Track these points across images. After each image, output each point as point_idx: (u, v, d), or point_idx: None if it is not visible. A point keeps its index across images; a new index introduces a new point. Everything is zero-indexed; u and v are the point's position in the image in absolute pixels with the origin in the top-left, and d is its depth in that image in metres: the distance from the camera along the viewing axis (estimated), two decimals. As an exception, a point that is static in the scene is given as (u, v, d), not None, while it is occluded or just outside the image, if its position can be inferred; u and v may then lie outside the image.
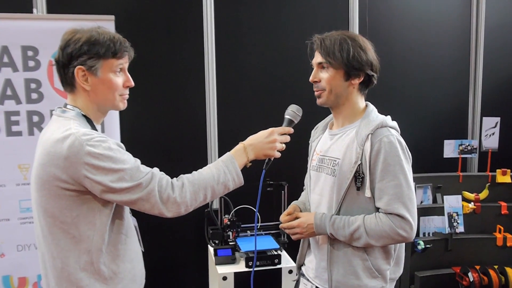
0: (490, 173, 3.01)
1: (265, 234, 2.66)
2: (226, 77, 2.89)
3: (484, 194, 2.97)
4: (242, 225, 2.58)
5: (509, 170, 2.99)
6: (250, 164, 1.45)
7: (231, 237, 2.52)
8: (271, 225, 2.68)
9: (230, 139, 2.88)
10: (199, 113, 2.87)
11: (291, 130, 1.52)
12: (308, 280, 1.69)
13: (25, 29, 2.43)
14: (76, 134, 1.23)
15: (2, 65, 2.42)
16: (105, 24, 2.42)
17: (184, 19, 2.81)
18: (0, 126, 2.44)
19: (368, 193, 1.47)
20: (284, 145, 1.50)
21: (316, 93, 1.58)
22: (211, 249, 2.55)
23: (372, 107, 1.60)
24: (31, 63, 2.46)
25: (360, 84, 1.55)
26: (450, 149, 3.01)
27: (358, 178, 1.47)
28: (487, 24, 3.28)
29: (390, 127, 1.52)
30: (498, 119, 3.07)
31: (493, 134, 3.07)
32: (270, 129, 1.48)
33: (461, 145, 3.02)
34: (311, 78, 1.58)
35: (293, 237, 1.64)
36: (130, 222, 1.46)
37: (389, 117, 1.57)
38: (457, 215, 2.81)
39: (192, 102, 2.87)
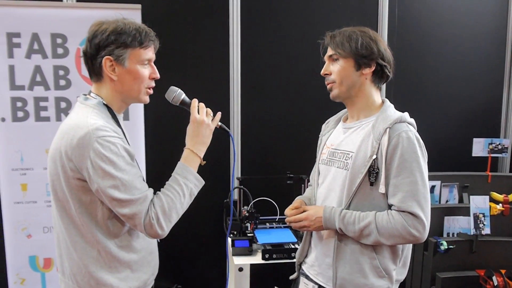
0: (521, 174, 2.89)
1: (284, 227, 2.65)
2: (250, 69, 2.87)
3: (514, 196, 2.86)
4: (260, 217, 2.57)
5: (542, 172, 2.87)
6: (205, 161, 1.46)
7: (249, 229, 2.53)
8: (290, 218, 2.67)
9: (253, 130, 2.91)
10: (223, 104, 2.88)
11: (195, 100, 1.49)
12: (309, 279, 1.65)
13: (54, 17, 2.49)
14: (90, 127, 1.25)
15: (32, 52, 2.50)
16: (132, 13, 2.49)
17: (210, 9, 2.81)
18: (29, 111, 2.52)
19: (382, 189, 1.43)
20: (210, 111, 1.49)
21: (328, 86, 1.57)
22: (229, 240, 2.57)
23: (389, 103, 1.57)
24: (60, 51, 2.53)
25: (373, 76, 1.53)
26: (479, 147, 2.90)
27: (372, 173, 1.43)
28: (526, 17, 3.13)
29: (408, 123, 1.49)
30: (533, 118, 2.95)
31: (526, 133, 2.94)
32: (191, 119, 1.46)
33: (491, 144, 2.90)
34: (322, 71, 1.58)
35: (299, 229, 1.61)
36: None
37: (407, 113, 1.53)
38: (484, 216, 2.72)
39: (216, 93, 2.87)
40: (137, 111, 2.62)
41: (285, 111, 2.95)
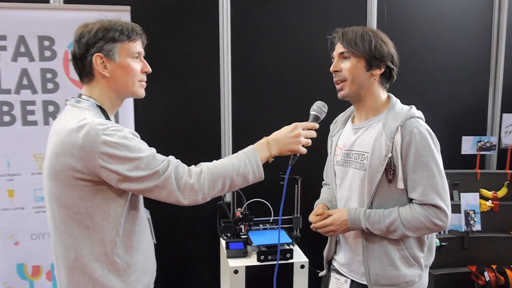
0: (509, 171, 2.94)
1: (278, 228, 2.64)
2: (241, 71, 2.86)
3: (502, 192, 2.91)
4: (254, 219, 2.56)
5: (529, 168, 2.92)
6: (273, 159, 1.43)
7: (243, 231, 2.51)
8: (284, 219, 2.66)
9: (244, 131, 2.90)
10: (213, 106, 2.86)
11: (316, 125, 1.49)
12: (341, 274, 1.68)
13: (41, 19, 2.44)
14: (91, 123, 1.23)
15: (18, 55, 2.44)
16: (121, 15, 2.45)
17: (200, 11, 2.79)
18: (16, 115, 2.46)
19: (401, 185, 1.48)
20: (309, 141, 1.46)
21: (337, 85, 1.58)
22: (223, 242, 2.55)
23: (395, 99, 1.60)
24: (47, 53, 2.48)
25: (381, 77, 1.56)
26: (468, 145, 2.95)
27: (389, 170, 1.48)
28: (509, 18, 3.19)
29: (418, 117, 1.53)
30: (518, 115, 3.00)
31: (513, 131, 3.00)
32: (294, 123, 1.45)
33: (479, 141, 2.96)
34: (332, 68, 1.58)
35: (326, 234, 1.63)
36: (143, 213, 1.46)
37: (413, 107, 1.57)
38: (474, 213, 2.76)
39: (207, 95, 2.86)
40: (127, 114, 2.58)
41: (277, 112, 2.94)
